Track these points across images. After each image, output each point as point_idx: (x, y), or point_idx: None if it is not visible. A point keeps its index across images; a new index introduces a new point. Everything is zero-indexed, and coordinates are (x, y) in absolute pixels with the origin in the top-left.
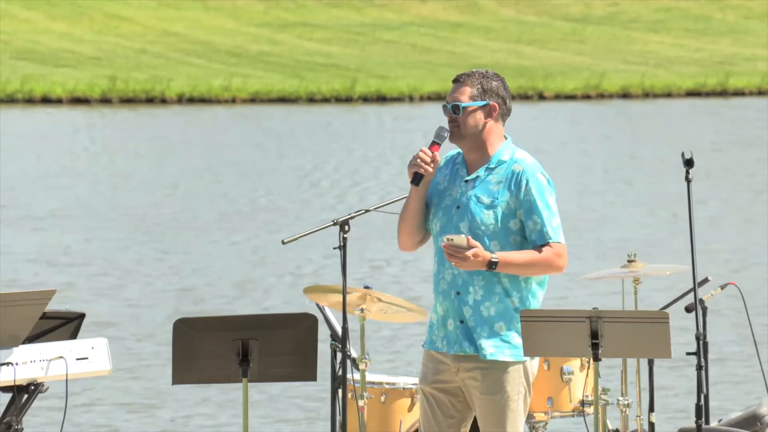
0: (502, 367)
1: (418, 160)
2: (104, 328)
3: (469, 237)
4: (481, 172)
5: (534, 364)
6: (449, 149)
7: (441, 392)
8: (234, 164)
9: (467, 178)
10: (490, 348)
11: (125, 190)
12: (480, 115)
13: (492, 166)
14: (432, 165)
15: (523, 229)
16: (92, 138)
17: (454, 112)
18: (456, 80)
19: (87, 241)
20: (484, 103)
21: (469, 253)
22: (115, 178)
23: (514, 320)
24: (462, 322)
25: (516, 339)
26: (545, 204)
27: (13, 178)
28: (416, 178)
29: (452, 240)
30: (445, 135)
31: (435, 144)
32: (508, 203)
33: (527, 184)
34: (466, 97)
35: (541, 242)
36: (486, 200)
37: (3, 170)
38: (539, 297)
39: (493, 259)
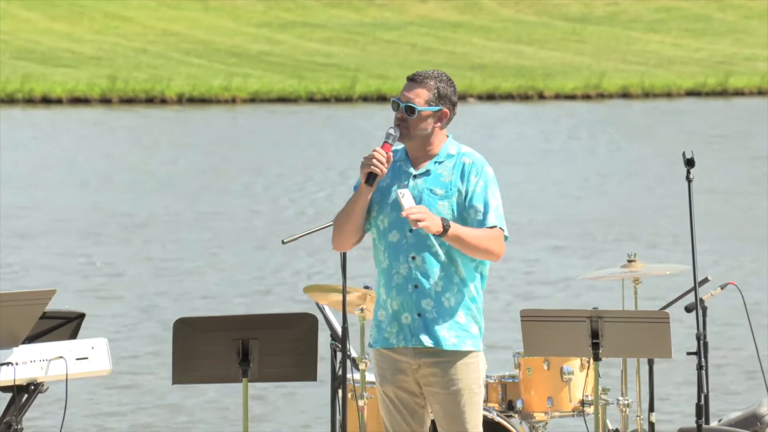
0: (463, 357)
1: (374, 160)
2: (103, 328)
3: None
4: (430, 165)
5: (484, 358)
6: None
7: (403, 391)
8: (233, 163)
9: (416, 172)
10: (452, 339)
11: (124, 190)
12: (431, 120)
13: (440, 159)
14: (386, 165)
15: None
16: (92, 138)
17: (408, 112)
18: (412, 79)
19: (84, 241)
20: (437, 108)
21: (418, 208)
22: (114, 177)
23: (471, 310)
24: (420, 315)
25: (474, 329)
26: (492, 195)
27: (13, 178)
28: (370, 178)
29: (403, 196)
30: (397, 135)
31: (387, 144)
32: (460, 193)
33: (477, 174)
34: (421, 100)
35: (482, 226)
36: (440, 192)
37: (3, 170)
38: (483, 286)
39: (444, 223)
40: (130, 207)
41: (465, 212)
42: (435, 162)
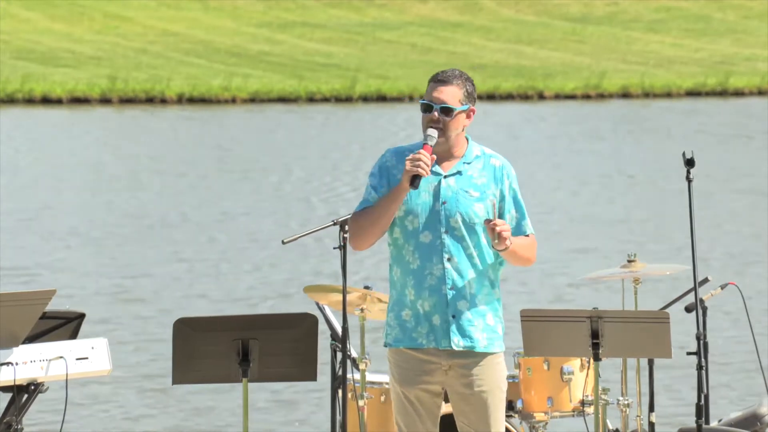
0: (495, 359)
1: (421, 163)
2: (104, 327)
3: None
4: (459, 165)
5: None
6: (388, 145)
7: (425, 392)
8: (233, 163)
9: (446, 173)
10: (484, 341)
11: (124, 190)
12: (462, 118)
13: (468, 160)
14: (429, 166)
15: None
16: (92, 138)
17: (444, 113)
18: (441, 80)
19: (85, 241)
20: (467, 107)
21: (507, 224)
22: (114, 177)
23: (497, 311)
24: (454, 316)
25: (499, 329)
26: (522, 198)
27: (14, 178)
28: (416, 180)
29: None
30: (436, 137)
31: (428, 146)
32: (494, 196)
33: (508, 177)
34: (455, 100)
35: (520, 233)
36: (475, 193)
37: (3, 170)
38: None
39: (509, 240)
40: (154, 207)
41: (500, 216)
42: (464, 163)
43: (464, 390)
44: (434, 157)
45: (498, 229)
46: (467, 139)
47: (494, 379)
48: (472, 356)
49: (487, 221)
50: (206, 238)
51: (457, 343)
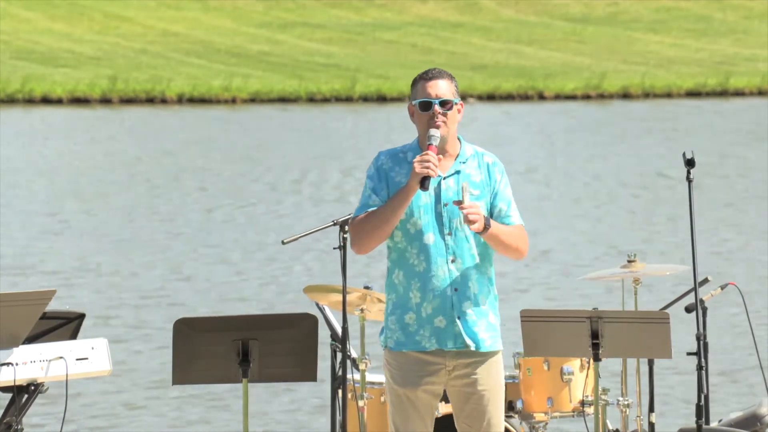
0: (496, 357)
1: (430, 164)
2: (105, 327)
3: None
4: (457, 165)
5: None
6: (377, 147)
7: (427, 393)
8: (234, 163)
9: (445, 175)
10: (488, 340)
11: (124, 190)
12: (457, 112)
13: (464, 159)
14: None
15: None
16: (92, 138)
17: (444, 107)
18: (431, 77)
19: (85, 239)
20: (458, 100)
21: (477, 207)
22: (114, 177)
23: (495, 309)
24: (460, 317)
25: (498, 327)
26: (510, 191)
27: (14, 177)
28: (426, 182)
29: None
30: (439, 135)
31: (433, 146)
32: (490, 193)
33: (500, 172)
34: (450, 93)
35: (505, 223)
36: (475, 192)
37: (3, 170)
38: None
39: (486, 222)
40: (171, 209)
41: (490, 210)
42: (460, 162)
43: (467, 389)
44: (441, 157)
45: (466, 211)
46: (459, 139)
47: (496, 377)
48: (477, 356)
49: (457, 202)
50: (206, 235)
51: (463, 343)
